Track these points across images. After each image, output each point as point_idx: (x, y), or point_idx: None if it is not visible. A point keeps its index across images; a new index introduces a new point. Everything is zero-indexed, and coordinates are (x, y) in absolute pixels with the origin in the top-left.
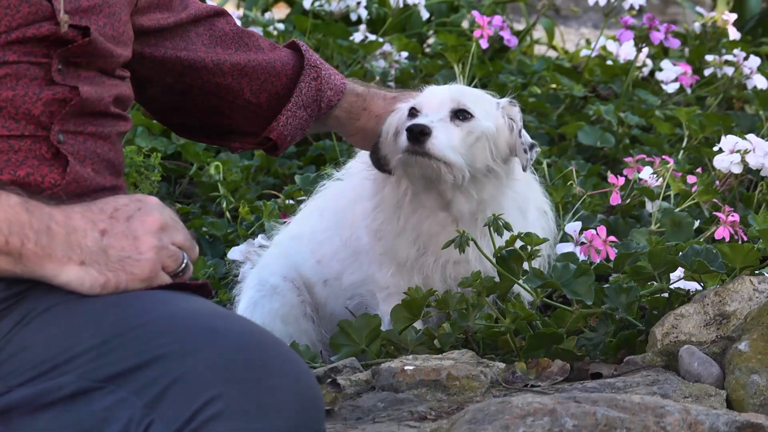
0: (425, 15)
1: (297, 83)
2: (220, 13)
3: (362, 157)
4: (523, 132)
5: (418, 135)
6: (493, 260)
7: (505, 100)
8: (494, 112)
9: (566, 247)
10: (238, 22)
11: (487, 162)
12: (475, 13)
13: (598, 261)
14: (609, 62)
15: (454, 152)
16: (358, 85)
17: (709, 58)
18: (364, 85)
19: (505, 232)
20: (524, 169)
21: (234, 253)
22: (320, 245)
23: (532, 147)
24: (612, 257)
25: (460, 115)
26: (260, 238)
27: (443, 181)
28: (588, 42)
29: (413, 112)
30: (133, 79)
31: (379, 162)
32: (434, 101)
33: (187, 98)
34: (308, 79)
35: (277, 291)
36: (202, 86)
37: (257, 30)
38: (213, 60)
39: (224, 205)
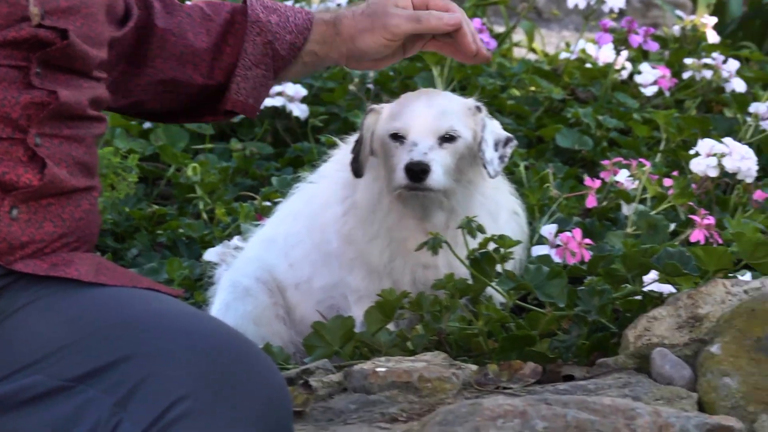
0: None
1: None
2: None
3: (335, 160)
4: (494, 132)
5: (420, 174)
6: (466, 263)
7: (472, 104)
8: (468, 120)
9: (542, 250)
10: None
11: (466, 172)
12: None
13: (572, 263)
14: (588, 65)
15: (449, 178)
16: (328, 12)
17: (688, 61)
18: (334, 11)
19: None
20: (491, 176)
21: (210, 255)
22: (292, 249)
23: (507, 142)
24: (587, 260)
25: (447, 137)
26: (236, 240)
27: (438, 205)
28: (567, 45)
29: (398, 137)
30: None
31: (359, 168)
32: (420, 125)
33: (138, 101)
34: (252, 37)
35: (250, 293)
36: (145, 88)
37: None
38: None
39: (201, 206)
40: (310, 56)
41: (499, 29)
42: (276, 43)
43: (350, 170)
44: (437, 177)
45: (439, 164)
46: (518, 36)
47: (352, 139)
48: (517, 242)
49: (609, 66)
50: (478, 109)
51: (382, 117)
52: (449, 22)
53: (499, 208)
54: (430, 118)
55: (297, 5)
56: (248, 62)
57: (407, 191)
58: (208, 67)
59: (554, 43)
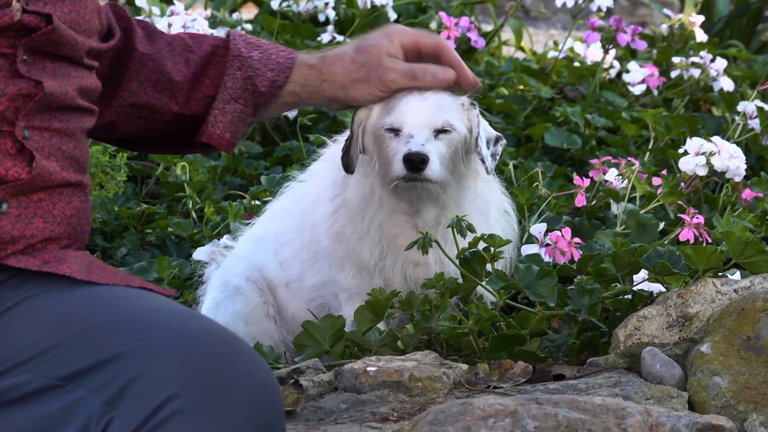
0: (393, 16)
1: (222, 79)
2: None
3: (325, 158)
4: (485, 130)
5: (419, 164)
6: (456, 262)
7: (466, 100)
8: (462, 115)
9: (531, 249)
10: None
11: (458, 166)
12: (442, 14)
13: (562, 262)
14: (576, 64)
15: (445, 170)
16: (312, 55)
17: (676, 60)
18: (319, 52)
19: (468, 234)
20: (488, 173)
21: (199, 254)
22: (282, 247)
23: (497, 141)
24: (577, 259)
25: (443, 130)
26: (226, 239)
27: (433, 198)
28: (555, 44)
29: (394, 130)
30: None
31: (350, 163)
32: (416, 119)
33: (109, 123)
34: (232, 71)
35: (240, 292)
36: (117, 110)
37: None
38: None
39: (190, 205)
40: (292, 96)
41: (487, 28)
42: (256, 79)
43: (341, 166)
44: (435, 168)
45: (436, 155)
46: (506, 34)
47: (342, 137)
48: (507, 241)
49: (597, 65)
50: (472, 104)
51: (373, 112)
52: (444, 78)
53: (489, 205)
54: (426, 111)
55: None
56: (227, 96)
57: (405, 182)
58: (185, 97)
59: (542, 41)
